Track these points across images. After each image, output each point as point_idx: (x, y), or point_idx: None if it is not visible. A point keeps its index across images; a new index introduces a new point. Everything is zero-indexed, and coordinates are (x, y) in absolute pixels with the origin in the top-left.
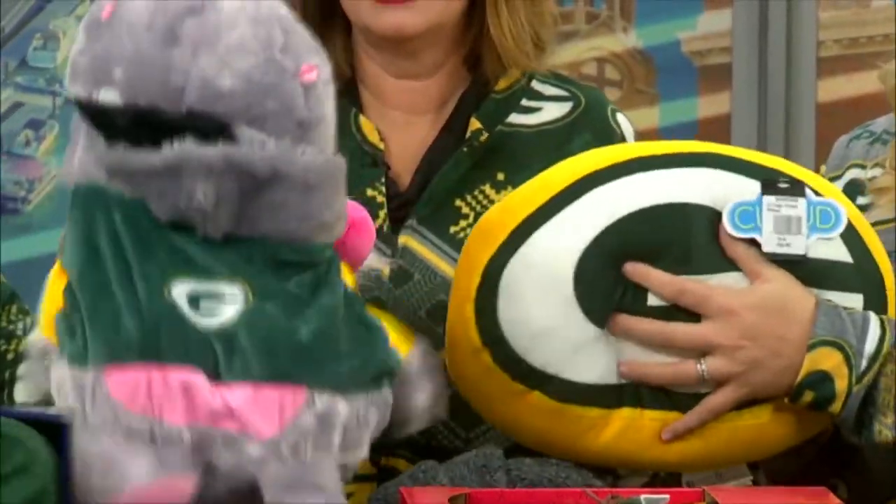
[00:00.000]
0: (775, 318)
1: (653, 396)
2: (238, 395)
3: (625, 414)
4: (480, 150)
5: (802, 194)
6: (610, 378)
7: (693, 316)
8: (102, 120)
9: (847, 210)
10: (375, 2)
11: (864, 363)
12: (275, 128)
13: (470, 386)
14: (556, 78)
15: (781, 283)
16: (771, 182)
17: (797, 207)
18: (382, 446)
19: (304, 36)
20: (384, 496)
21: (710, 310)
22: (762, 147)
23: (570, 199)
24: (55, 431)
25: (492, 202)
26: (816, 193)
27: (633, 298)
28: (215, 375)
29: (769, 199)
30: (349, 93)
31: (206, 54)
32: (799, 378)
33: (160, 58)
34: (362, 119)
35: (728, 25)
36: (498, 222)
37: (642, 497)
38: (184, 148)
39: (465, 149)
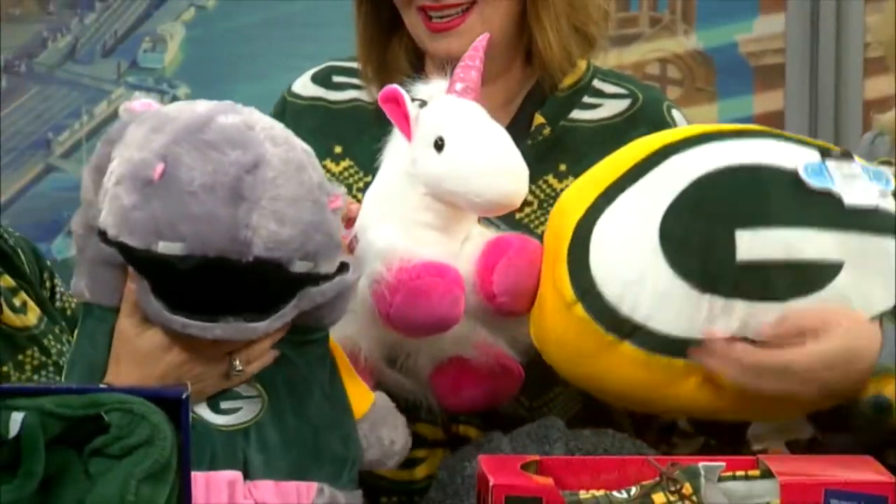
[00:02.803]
0: (848, 368)
1: None
2: (263, 491)
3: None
4: (544, 144)
5: (853, 159)
6: (694, 332)
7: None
8: (158, 267)
9: (892, 174)
10: (427, 29)
11: None
12: (324, 257)
13: (559, 345)
14: (616, 77)
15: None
16: (826, 150)
17: (855, 168)
18: (453, 415)
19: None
20: (452, 463)
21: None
22: None
23: (651, 167)
24: (174, 407)
25: (554, 191)
26: (862, 162)
27: (722, 253)
28: (245, 473)
29: (830, 162)
30: None
31: (268, 208)
32: (863, 402)
33: (227, 216)
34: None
35: (782, 28)
36: (583, 190)
37: (700, 465)
38: (236, 327)
39: (529, 142)
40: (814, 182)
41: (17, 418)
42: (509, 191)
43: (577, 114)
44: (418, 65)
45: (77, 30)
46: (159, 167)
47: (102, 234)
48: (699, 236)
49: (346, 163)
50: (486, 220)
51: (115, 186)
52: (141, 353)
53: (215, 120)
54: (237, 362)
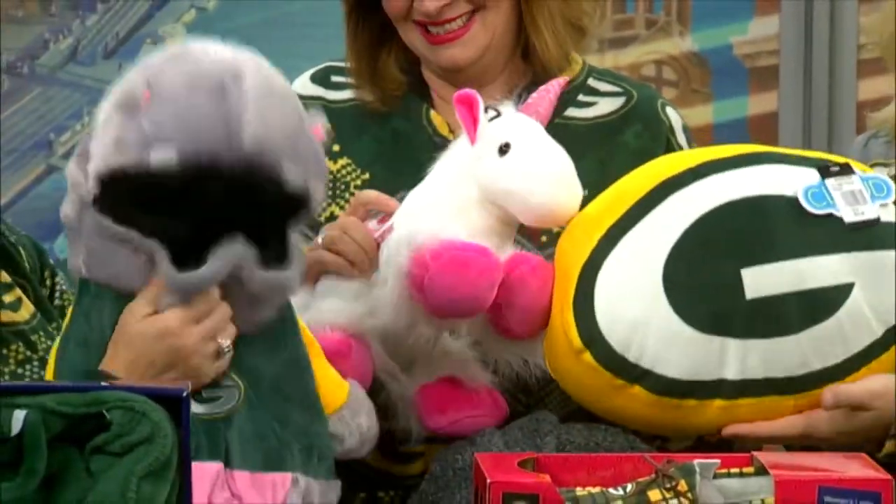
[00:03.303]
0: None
1: (744, 389)
2: (240, 483)
3: (719, 403)
4: None
5: (853, 172)
6: (701, 374)
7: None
8: (152, 188)
9: (891, 181)
10: (427, 42)
11: None
12: (314, 170)
13: (573, 385)
14: (611, 75)
15: (875, 410)
16: (824, 167)
17: (854, 183)
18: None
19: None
20: (445, 456)
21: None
22: (807, 142)
23: (653, 205)
24: (175, 405)
25: None
26: (862, 171)
27: (730, 294)
28: (225, 463)
29: (830, 181)
30: (420, 90)
31: (252, 110)
32: (881, 454)
33: (214, 112)
34: (433, 113)
35: (776, 31)
36: (585, 233)
37: (696, 462)
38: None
39: None
40: (814, 207)
41: (19, 416)
42: (561, 202)
43: (572, 112)
44: (411, 70)
45: (79, 31)
46: (145, 92)
47: (95, 202)
48: (704, 279)
49: (343, 160)
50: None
51: (104, 128)
52: (138, 336)
53: (194, 46)
54: (226, 342)
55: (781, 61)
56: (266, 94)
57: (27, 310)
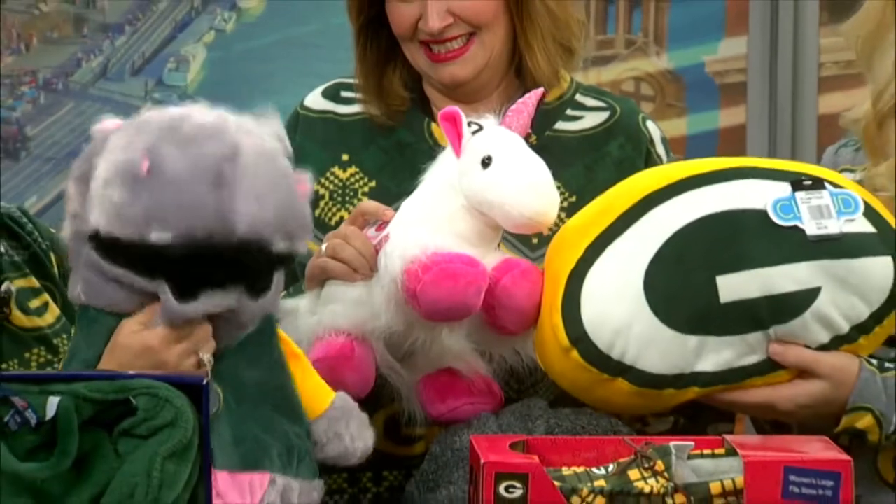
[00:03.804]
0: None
1: (719, 378)
2: (220, 482)
3: (695, 390)
4: None
5: (823, 187)
6: (680, 368)
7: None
8: (150, 258)
9: (861, 195)
10: (430, 60)
11: (892, 427)
12: (299, 237)
13: (562, 378)
14: (596, 91)
15: (831, 380)
16: (797, 181)
17: (823, 198)
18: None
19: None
20: (444, 438)
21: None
22: (772, 152)
23: (635, 218)
24: (196, 392)
25: None
26: (834, 186)
27: (706, 298)
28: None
29: (800, 195)
30: (422, 105)
31: (248, 192)
32: (838, 429)
33: (212, 201)
34: (434, 126)
35: (744, 50)
36: (573, 242)
37: (671, 444)
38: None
39: None
40: (781, 219)
41: (53, 402)
42: (540, 210)
43: (561, 125)
44: (415, 87)
45: (108, 51)
46: (144, 162)
47: (93, 239)
48: (682, 286)
49: (352, 169)
50: (506, 244)
51: (104, 188)
52: (125, 350)
53: (191, 117)
54: (206, 355)
55: (749, 78)
56: (260, 174)
57: (52, 314)
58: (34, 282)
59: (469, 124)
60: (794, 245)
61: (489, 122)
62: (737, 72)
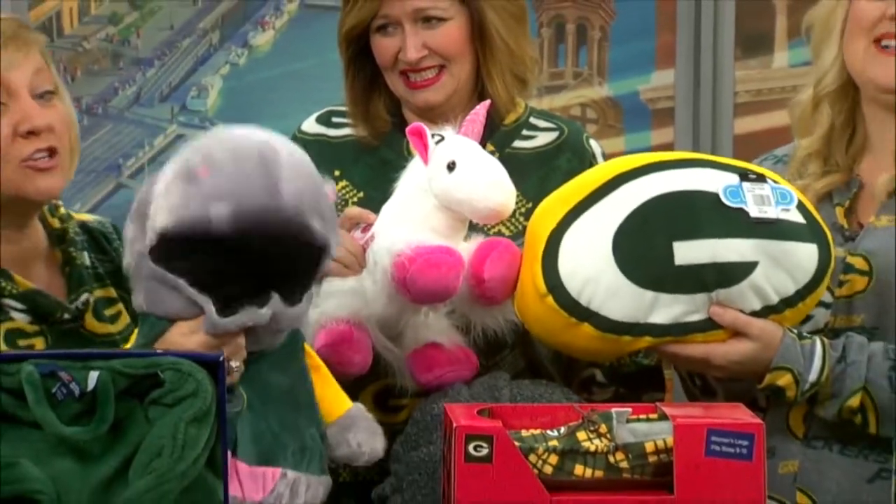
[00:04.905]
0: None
1: (669, 330)
2: (242, 471)
3: (648, 340)
4: None
5: (766, 181)
6: (637, 318)
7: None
8: (206, 241)
9: (796, 193)
10: (407, 87)
11: (807, 385)
12: (331, 225)
13: (537, 323)
14: (547, 115)
15: (759, 342)
16: (745, 174)
17: (765, 189)
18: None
19: None
20: (424, 406)
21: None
22: None
23: (608, 191)
24: (214, 367)
25: None
26: (774, 182)
27: (663, 260)
28: (233, 453)
29: (746, 184)
30: (401, 127)
31: (288, 176)
32: (762, 385)
33: (259, 175)
34: (411, 146)
35: (672, 80)
36: (554, 208)
37: (613, 410)
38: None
39: None
40: (730, 202)
41: (93, 375)
42: (501, 202)
43: (518, 143)
44: (395, 112)
45: (141, 81)
46: (203, 168)
47: (153, 252)
48: (644, 248)
49: (343, 183)
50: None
51: (165, 192)
52: (171, 347)
53: (230, 130)
54: (236, 363)
55: (676, 104)
56: (296, 165)
57: (123, 322)
58: (112, 292)
59: (433, 136)
60: (740, 223)
61: (449, 132)
62: (666, 98)
